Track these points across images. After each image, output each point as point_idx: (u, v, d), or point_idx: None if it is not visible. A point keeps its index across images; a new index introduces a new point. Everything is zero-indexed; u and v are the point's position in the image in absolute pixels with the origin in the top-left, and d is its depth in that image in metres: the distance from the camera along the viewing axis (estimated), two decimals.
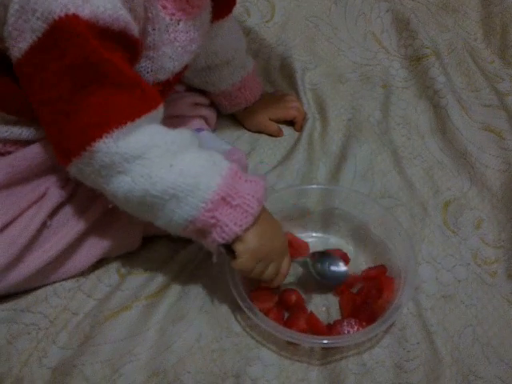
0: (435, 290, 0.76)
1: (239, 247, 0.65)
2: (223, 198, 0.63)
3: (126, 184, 0.62)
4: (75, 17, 0.57)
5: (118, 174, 0.61)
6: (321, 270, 0.74)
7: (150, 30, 0.66)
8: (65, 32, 0.57)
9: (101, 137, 0.60)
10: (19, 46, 0.59)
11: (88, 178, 0.64)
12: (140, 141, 0.61)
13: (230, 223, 0.63)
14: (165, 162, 0.62)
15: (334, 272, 0.74)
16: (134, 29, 0.62)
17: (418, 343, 0.71)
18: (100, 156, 0.60)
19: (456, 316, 0.74)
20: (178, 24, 0.69)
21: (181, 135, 0.64)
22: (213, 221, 0.63)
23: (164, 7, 0.66)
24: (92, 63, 0.59)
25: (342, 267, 0.75)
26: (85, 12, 0.57)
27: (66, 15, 0.56)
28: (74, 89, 0.59)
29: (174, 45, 0.70)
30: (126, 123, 0.60)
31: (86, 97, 0.59)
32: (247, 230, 0.64)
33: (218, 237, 0.64)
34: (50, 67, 0.59)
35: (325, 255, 0.75)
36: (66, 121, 0.61)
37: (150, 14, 0.65)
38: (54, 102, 0.60)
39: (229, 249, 0.66)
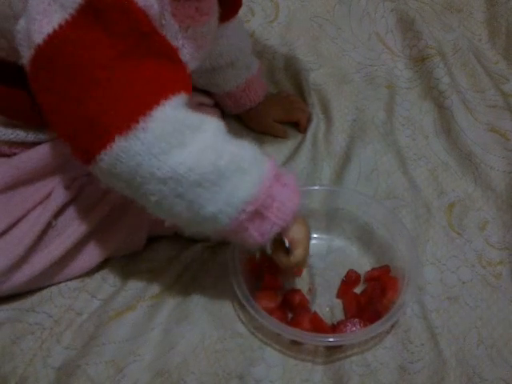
0: (440, 291, 0.76)
1: (295, 235, 0.64)
2: (275, 176, 0.61)
3: (188, 159, 0.56)
4: None
5: (176, 148, 0.56)
6: None
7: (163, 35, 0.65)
8: (111, 3, 0.55)
9: (158, 103, 0.55)
10: (42, 30, 0.55)
11: (130, 165, 0.56)
12: (194, 113, 0.58)
13: (286, 201, 0.61)
14: (224, 135, 0.60)
15: None
16: (157, 25, 0.61)
17: (423, 345, 0.71)
18: (157, 126, 0.55)
19: (460, 318, 0.74)
20: (187, 31, 0.67)
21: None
22: (270, 200, 0.60)
23: (174, 14, 0.65)
24: (141, 33, 0.56)
25: None
26: None
27: None
28: (120, 56, 0.55)
29: (182, 52, 0.68)
30: (180, 92, 0.57)
31: (135, 63, 0.56)
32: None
33: (277, 219, 0.61)
34: (89, 40, 0.55)
35: None
36: (109, 90, 0.55)
37: (163, 21, 0.64)
38: (91, 73, 0.55)
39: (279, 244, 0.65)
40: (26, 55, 0.58)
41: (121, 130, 0.55)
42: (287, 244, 0.64)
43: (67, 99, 0.57)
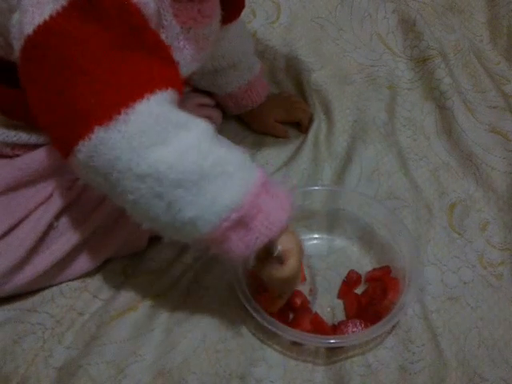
0: (441, 292, 0.76)
1: (285, 245, 0.60)
2: (263, 184, 0.57)
3: (168, 157, 0.53)
4: None
5: (157, 144, 0.53)
6: None
7: (163, 37, 0.65)
8: None
9: (142, 96, 0.53)
10: (33, 21, 0.54)
11: (108, 158, 0.54)
12: (181, 111, 0.56)
13: (274, 212, 0.57)
14: (211, 137, 0.56)
15: None
16: (153, 25, 0.61)
17: (424, 345, 0.71)
18: (139, 119, 0.53)
19: (461, 318, 0.74)
20: (189, 32, 0.67)
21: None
22: (256, 209, 0.56)
23: (176, 15, 0.65)
24: (133, 27, 0.55)
25: None
26: None
27: None
28: (109, 49, 0.54)
29: (183, 53, 0.68)
30: (167, 88, 0.55)
31: (123, 56, 0.55)
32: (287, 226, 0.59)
33: (263, 229, 0.57)
34: (79, 31, 0.54)
35: None
36: (93, 80, 0.53)
37: (164, 22, 0.63)
38: (77, 64, 0.54)
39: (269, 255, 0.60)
40: (16, 47, 0.57)
41: (101, 120, 0.53)
42: (276, 253, 0.60)
43: (52, 89, 0.56)
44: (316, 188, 0.83)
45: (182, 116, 0.56)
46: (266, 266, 0.62)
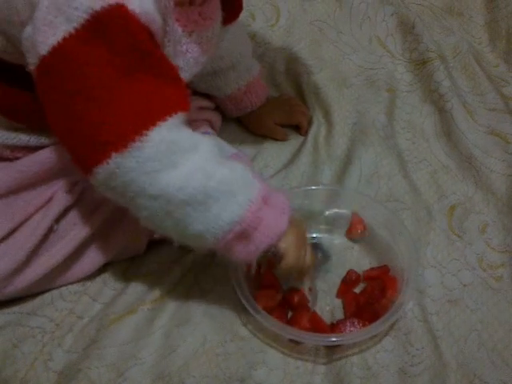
0: (440, 294, 0.76)
1: (283, 245, 0.64)
2: (264, 198, 0.62)
3: (177, 180, 0.58)
4: (124, 7, 0.56)
5: (168, 168, 0.58)
6: None
7: (166, 42, 0.65)
8: (114, 21, 0.56)
9: (154, 124, 0.57)
10: (47, 41, 0.57)
11: (123, 181, 0.59)
12: (190, 134, 0.60)
13: (273, 223, 0.62)
14: (216, 157, 0.61)
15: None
16: (160, 36, 0.62)
17: (423, 348, 0.71)
18: (152, 146, 0.57)
19: (461, 320, 0.74)
20: (191, 36, 0.68)
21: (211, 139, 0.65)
22: (257, 222, 0.61)
23: (177, 19, 0.65)
24: (141, 52, 0.57)
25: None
26: (132, 5, 0.56)
27: (117, 4, 0.56)
28: (120, 75, 0.57)
29: (186, 56, 0.69)
30: (176, 113, 0.59)
31: (134, 83, 0.58)
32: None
33: (263, 239, 0.62)
34: (90, 56, 0.57)
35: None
36: (108, 109, 0.57)
37: (167, 27, 0.64)
38: (91, 91, 0.57)
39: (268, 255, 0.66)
40: (31, 63, 0.59)
41: (117, 147, 0.57)
42: (271, 254, 0.65)
43: (68, 113, 0.59)
44: (316, 188, 0.84)
45: (190, 138, 0.61)
46: (269, 264, 0.69)
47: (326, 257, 0.79)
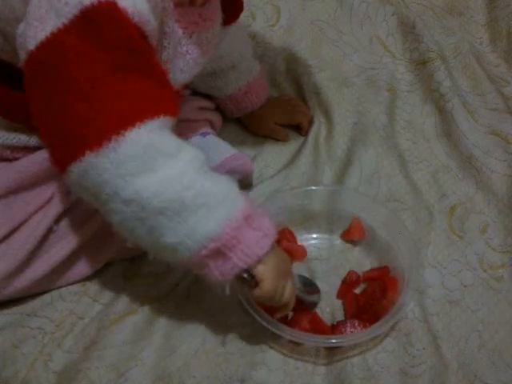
0: (441, 294, 0.76)
1: (260, 269, 0.61)
2: (246, 218, 0.59)
3: (152, 185, 0.55)
4: (114, 4, 0.55)
5: (144, 172, 0.55)
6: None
7: (165, 44, 0.65)
8: (104, 17, 0.54)
9: (133, 125, 0.54)
10: (36, 36, 0.56)
11: (96, 181, 0.56)
12: (172, 140, 0.58)
13: (253, 245, 0.59)
14: (198, 168, 0.58)
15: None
16: (154, 38, 0.61)
17: (424, 348, 0.71)
18: (128, 147, 0.54)
19: (462, 321, 0.74)
20: (191, 37, 0.67)
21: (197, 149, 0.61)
22: (235, 241, 0.58)
23: (178, 21, 0.65)
24: (130, 49, 0.56)
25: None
26: (124, 3, 0.55)
27: (107, 1, 0.54)
28: (104, 72, 0.55)
29: (185, 58, 0.69)
30: (159, 116, 0.56)
31: (118, 81, 0.55)
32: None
33: (239, 261, 0.59)
34: (76, 52, 0.55)
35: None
36: (87, 106, 0.55)
37: (167, 29, 0.64)
38: (74, 87, 0.55)
39: (243, 277, 0.61)
40: (21, 58, 0.59)
41: (92, 146, 0.55)
42: (245, 276, 0.61)
43: (50, 107, 0.57)
44: (316, 188, 0.83)
45: (172, 144, 0.58)
46: (243, 287, 0.65)
47: (313, 291, 0.75)
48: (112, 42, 0.56)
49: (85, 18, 0.55)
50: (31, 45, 0.56)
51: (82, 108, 0.55)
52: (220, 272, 0.60)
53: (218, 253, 0.59)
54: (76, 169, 0.56)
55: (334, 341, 0.68)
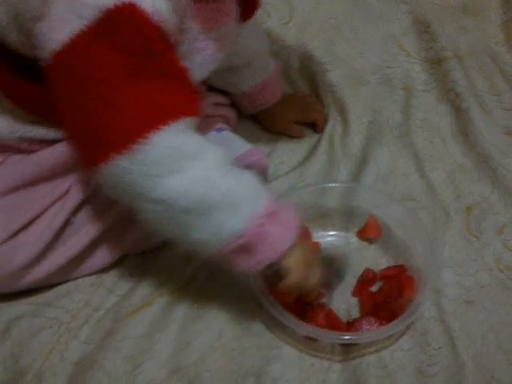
0: (457, 294, 0.76)
1: (286, 262, 0.62)
2: (272, 214, 0.60)
3: (181, 186, 0.57)
4: (136, 6, 0.55)
5: (171, 173, 0.57)
6: None
7: (183, 39, 0.65)
8: (125, 19, 0.55)
9: (157, 127, 0.56)
10: (59, 37, 0.56)
11: (125, 182, 0.58)
12: (195, 140, 0.59)
13: (279, 239, 0.61)
14: (223, 167, 0.60)
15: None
16: (174, 35, 0.61)
17: (440, 348, 0.70)
18: (153, 150, 0.56)
19: (479, 321, 0.73)
20: (209, 32, 0.68)
21: (221, 147, 0.62)
22: (261, 236, 0.60)
23: (195, 17, 0.65)
24: (152, 52, 0.57)
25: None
26: (145, 4, 0.56)
27: (130, 3, 0.55)
28: (127, 76, 0.56)
29: (203, 53, 0.69)
30: (182, 118, 0.58)
31: (141, 85, 0.56)
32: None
33: (266, 254, 0.61)
34: (99, 55, 0.56)
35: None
36: (112, 110, 0.56)
37: (184, 24, 0.64)
38: (98, 91, 0.56)
39: (271, 269, 0.63)
40: (44, 58, 0.59)
41: (118, 149, 0.56)
42: (275, 269, 0.63)
43: (74, 110, 0.58)
44: (331, 185, 0.83)
45: (196, 145, 0.59)
46: (271, 278, 0.67)
47: (340, 277, 0.76)
48: (133, 45, 0.56)
49: (105, 21, 0.55)
50: (55, 46, 0.57)
51: (105, 112, 0.56)
52: (247, 265, 0.62)
53: (245, 248, 0.60)
54: (104, 170, 0.58)
55: (348, 337, 0.68)
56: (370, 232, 0.80)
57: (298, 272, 0.63)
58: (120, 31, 0.56)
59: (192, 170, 0.57)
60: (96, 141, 0.57)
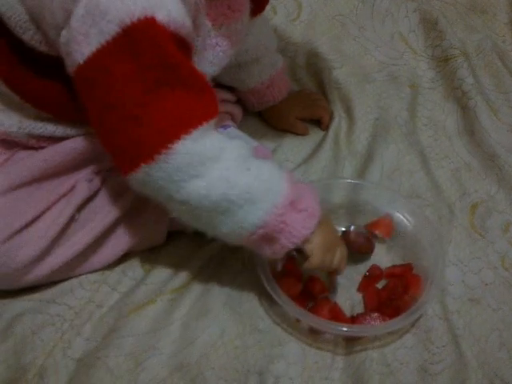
0: (462, 292, 0.75)
1: (308, 247, 0.66)
2: (291, 203, 0.63)
3: (201, 189, 0.61)
4: (153, 20, 0.56)
5: (193, 178, 0.60)
6: None
7: (195, 36, 0.65)
8: (142, 34, 0.57)
9: (179, 137, 0.59)
10: (82, 50, 0.58)
11: (153, 187, 0.62)
12: (215, 143, 0.62)
13: (299, 227, 0.64)
14: (241, 165, 0.62)
15: None
16: (190, 35, 0.62)
17: (444, 346, 0.70)
18: (177, 158, 0.59)
19: (482, 319, 0.73)
20: (220, 29, 0.69)
21: (241, 141, 0.66)
22: (282, 226, 0.63)
23: (207, 13, 0.66)
24: (169, 65, 0.58)
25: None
26: (161, 16, 0.57)
27: (145, 18, 0.56)
28: (148, 91, 0.58)
29: (215, 50, 0.70)
30: (202, 124, 0.60)
31: (161, 98, 0.59)
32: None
33: (287, 242, 0.65)
34: (120, 70, 0.58)
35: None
36: (136, 124, 0.59)
37: (197, 22, 0.64)
38: (121, 106, 0.59)
39: (293, 254, 0.68)
40: (70, 66, 0.61)
41: (146, 159, 0.60)
42: (295, 253, 0.68)
43: (101, 123, 0.62)
44: (339, 181, 0.83)
45: (216, 147, 0.62)
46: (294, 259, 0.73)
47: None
48: (152, 59, 0.58)
49: (126, 35, 0.57)
50: (80, 59, 0.59)
51: (129, 126, 0.60)
52: (271, 251, 0.66)
53: (268, 237, 0.64)
54: (133, 177, 0.62)
55: (351, 330, 0.68)
56: (380, 229, 0.79)
57: (319, 255, 0.67)
58: (138, 46, 0.57)
59: (212, 173, 0.61)
60: (124, 152, 0.62)
